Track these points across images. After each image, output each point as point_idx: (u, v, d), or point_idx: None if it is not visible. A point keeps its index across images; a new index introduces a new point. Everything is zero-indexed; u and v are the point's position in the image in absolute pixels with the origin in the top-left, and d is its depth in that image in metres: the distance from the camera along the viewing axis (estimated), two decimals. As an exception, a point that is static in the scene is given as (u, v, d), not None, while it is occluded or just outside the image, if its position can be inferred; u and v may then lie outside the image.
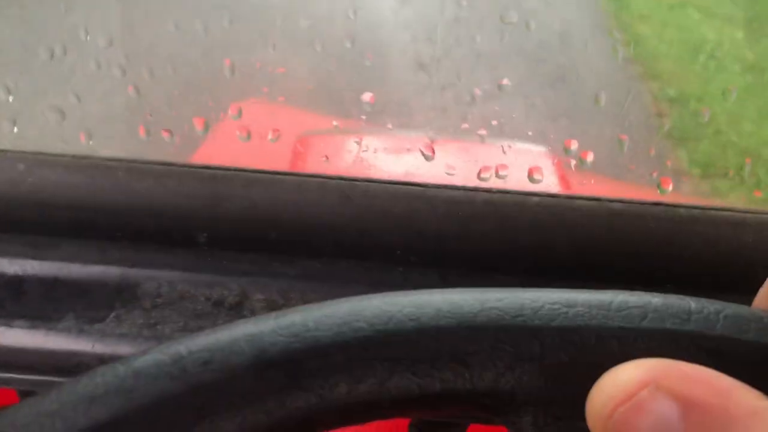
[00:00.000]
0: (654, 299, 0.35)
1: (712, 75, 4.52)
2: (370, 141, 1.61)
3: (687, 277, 0.52)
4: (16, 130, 2.21)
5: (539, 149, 1.67)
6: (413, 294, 0.35)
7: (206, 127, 1.43)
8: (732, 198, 3.22)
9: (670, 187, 1.45)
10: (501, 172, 1.12)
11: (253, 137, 1.43)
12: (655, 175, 3.07)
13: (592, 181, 1.53)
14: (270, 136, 1.36)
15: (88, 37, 3.28)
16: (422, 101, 4.03)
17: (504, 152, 1.48)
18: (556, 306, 0.34)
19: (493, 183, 1.11)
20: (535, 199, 0.53)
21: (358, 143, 1.55)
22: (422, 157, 1.35)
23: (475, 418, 0.51)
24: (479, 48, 4.85)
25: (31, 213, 0.52)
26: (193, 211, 0.52)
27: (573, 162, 1.41)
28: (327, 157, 1.42)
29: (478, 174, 1.13)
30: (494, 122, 3.86)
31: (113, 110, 3.07)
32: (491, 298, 0.34)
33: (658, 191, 1.42)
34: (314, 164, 1.52)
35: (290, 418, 0.31)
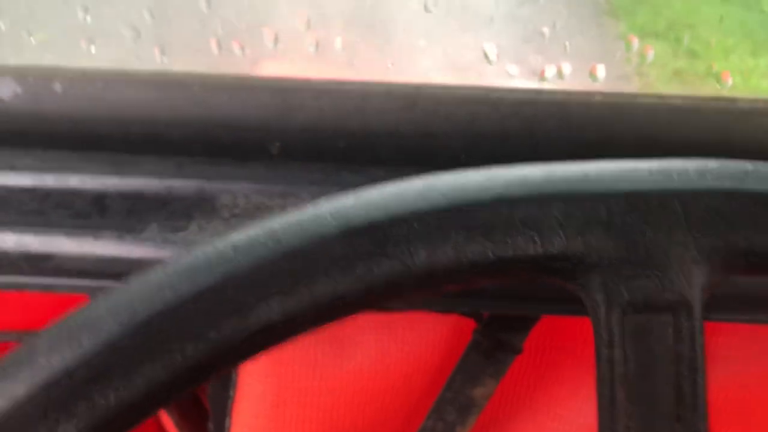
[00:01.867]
0: (711, 162, 0.36)
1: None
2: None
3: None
4: (93, 49, 2.35)
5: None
6: (482, 170, 0.36)
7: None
8: (658, 50, 4.05)
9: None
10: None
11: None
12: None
13: None
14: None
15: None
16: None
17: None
18: (619, 172, 0.36)
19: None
20: (597, 97, 0.53)
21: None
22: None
23: (546, 304, 0.53)
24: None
25: (111, 130, 0.53)
26: (265, 123, 0.53)
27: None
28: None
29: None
30: (473, 12, 4.67)
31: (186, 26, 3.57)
32: (558, 168, 0.36)
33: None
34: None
35: (378, 285, 0.33)
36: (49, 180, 0.52)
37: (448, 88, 0.56)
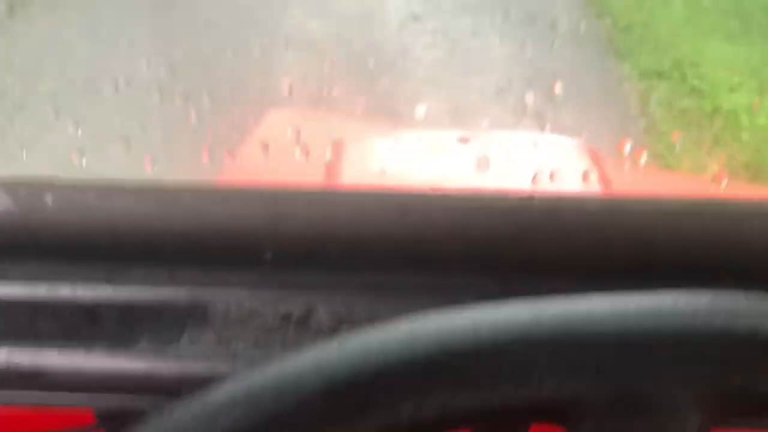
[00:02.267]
0: (702, 298, 0.35)
1: (659, 10, 5.32)
2: (405, 142, 1.60)
3: (749, 272, 0.49)
4: (84, 161, 2.40)
5: (572, 142, 1.60)
6: (468, 311, 0.35)
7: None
8: (664, 90, 4.02)
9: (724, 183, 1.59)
10: (553, 177, 1.14)
11: (287, 148, 1.49)
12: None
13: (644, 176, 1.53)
14: (298, 151, 1.41)
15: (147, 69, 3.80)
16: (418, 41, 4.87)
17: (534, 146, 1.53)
18: (608, 312, 0.35)
19: (546, 186, 1.17)
20: (592, 201, 0.53)
21: (395, 146, 1.56)
22: (460, 153, 1.41)
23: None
24: (465, 4, 5.69)
25: (102, 241, 0.53)
26: (258, 231, 0.53)
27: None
28: (371, 165, 1.43)
29: (533, 179, 1.16)
30: (479, 54, 4.68)
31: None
32: (545, 308, 0.35)
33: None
34: (359, 171, 1.53)
35: None
36: (40, 291, 0.52)
37: (440, 195, 0.56)
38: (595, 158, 1.45)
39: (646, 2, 5.55)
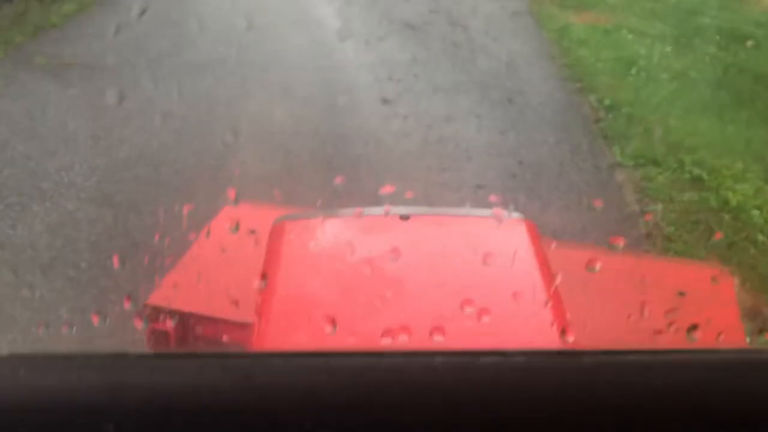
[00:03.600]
0: None
1: (643, 84, 4.94)
2: (346, 219, 1.60)
3: (599, 426, 0.49)
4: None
5: (485, 212, 1.58)
6: None
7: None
8: (661, 180, 3.58)
9: (621, 243, 1.57)
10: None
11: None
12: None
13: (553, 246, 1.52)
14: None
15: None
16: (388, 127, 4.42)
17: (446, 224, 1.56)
18: None
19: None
20: (439, 359, 0.52)
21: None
22: (402, 231, 1.44)
23: None
24: (437, 83, 5.28)
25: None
26: (97, 403, 0.50)
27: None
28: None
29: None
30: (456, 143, 4.23)
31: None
32: None
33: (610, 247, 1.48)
34: (298, 251, 1.52)
35: None
36: None
37: (284, 356, 0.55)
38: (533, 234, 1.45)
39: (629, 76, 5.18)
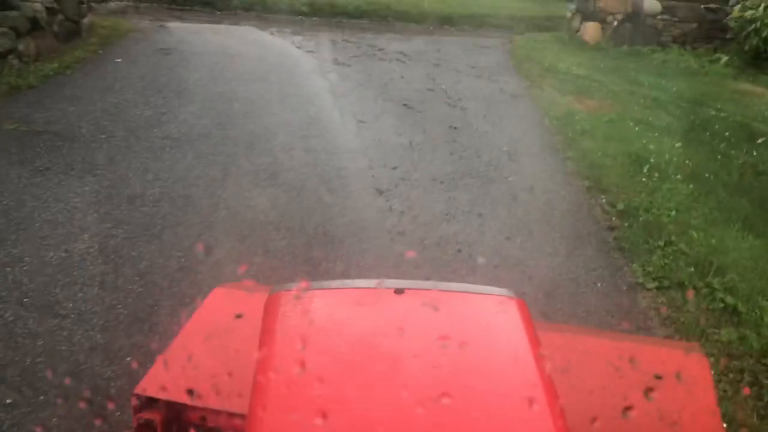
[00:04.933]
0: None
1: (657, 185, 4.54)
2: (341, 294, 1.58)
3: None
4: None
5: (478, 289, 1.59)
6: None
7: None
8: (691, 310, 3.11)
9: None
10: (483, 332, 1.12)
11: None
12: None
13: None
14: None
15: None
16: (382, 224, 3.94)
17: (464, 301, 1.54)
18: None
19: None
20: None
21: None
22: (396, 305, 1.45)
23: None
24: (435, 173, 4.83)
25: None
26: None
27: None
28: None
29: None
30: (458, 248, 3.74)
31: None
32: None
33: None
34: (293, 326, 1.50)
35: None
36: None
37: None
38: (524, 311, 1.47)
39: (640, 174, 4.76)
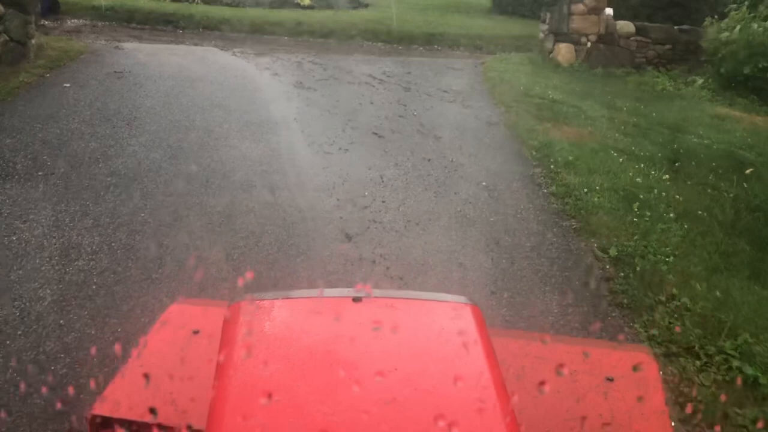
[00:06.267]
0: None
1: (649, 225, 4.14)
2: (300, 305, 1.59)
3: None
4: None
5: (434, 296, 1.65)
6: None
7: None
8: (705, 383, 2.67)
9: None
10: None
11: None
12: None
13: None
14: None
15: None
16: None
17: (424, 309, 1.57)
18: None
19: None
20: None
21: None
22: (355, 313, 1.46)
23: None
24: (409, 213, 4.36)
25: None
26: None
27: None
28: None
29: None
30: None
31: None
32: None
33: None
34: (256, 332, 1.48)
35: None
36: None
37: None
38: (478, 317, 1.50)
39: (631, 214, 4.35)
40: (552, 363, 1.67)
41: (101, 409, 1.58)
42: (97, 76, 7.05)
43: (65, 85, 6.70)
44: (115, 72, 7.20)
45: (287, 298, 1.59)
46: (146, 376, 1.61)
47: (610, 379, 1.70)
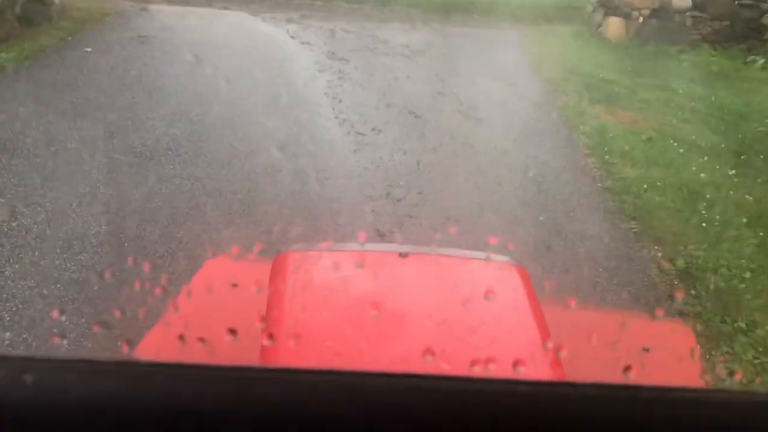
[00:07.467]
0: None
1: (719, 231, 3.64)
2: (347, 256, 1.57)
3: None
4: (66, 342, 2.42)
5: (504, 260, 1.63)
6: None
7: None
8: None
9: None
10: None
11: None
12: None
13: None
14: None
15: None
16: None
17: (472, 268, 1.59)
18: None
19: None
20: (522, 387, 0.52)
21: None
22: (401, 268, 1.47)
23: None
24: (449, 208, 3.92)
25: (79, 420, 0.49)
26: (221, 410, 0.49)
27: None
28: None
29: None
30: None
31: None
32: None
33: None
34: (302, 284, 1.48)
35: None
36: None
37: (391, 377, 0.54)
38: (525, 277, 1.54)
39: (697, 215, 3.85)
40: (589, 331, 1.65)
41: (142, 355, 1.58)
42: (120, 40, 6.63)
43: (86, 49, 6.29)
44: (139, 36, 6.77)
45: (333, 251, 1.62)
46: (186, 327, 1.56)
47: (647, 350, 1.69)
